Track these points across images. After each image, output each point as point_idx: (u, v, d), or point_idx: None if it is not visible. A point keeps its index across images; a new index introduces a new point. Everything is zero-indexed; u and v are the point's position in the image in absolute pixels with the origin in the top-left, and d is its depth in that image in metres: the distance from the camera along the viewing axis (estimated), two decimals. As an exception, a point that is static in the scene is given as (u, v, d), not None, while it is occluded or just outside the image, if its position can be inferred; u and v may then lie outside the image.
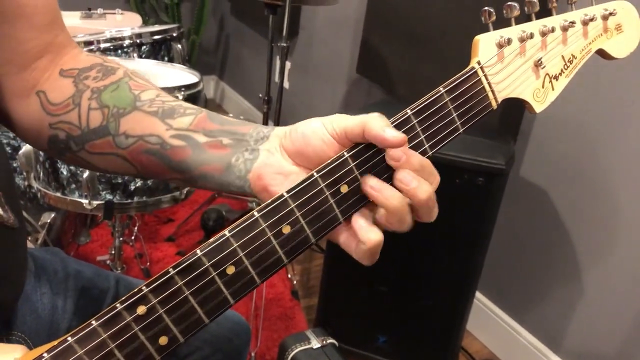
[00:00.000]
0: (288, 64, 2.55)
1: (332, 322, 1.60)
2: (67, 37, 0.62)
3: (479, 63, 0.52)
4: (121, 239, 1.55)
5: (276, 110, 1.90)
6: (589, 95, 1.39)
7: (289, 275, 1.91)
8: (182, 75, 1.48)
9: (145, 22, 2.74)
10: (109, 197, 1.26)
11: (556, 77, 0.56)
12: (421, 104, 0.50)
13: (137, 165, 0.57)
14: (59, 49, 0.61)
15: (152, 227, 2.10)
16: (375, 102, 1.80)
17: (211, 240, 0.46)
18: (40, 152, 1.29)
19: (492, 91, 0.52)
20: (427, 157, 0.50)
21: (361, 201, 0.49)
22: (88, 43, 1.60)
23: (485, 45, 0.53)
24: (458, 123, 0.51)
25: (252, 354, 1.58)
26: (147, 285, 0.45)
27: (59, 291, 0.74)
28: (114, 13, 2.15)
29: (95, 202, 1.26)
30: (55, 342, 0.44)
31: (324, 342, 1.22)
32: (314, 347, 1.21)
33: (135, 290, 0.45)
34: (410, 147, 0.49)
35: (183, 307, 0.46)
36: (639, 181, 1.34)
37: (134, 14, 2.26)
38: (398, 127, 0.49)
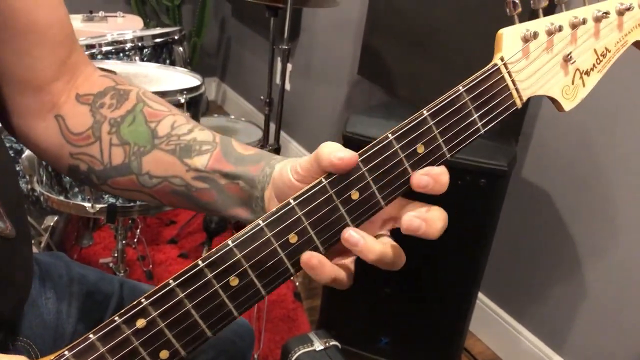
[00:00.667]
0: (289, 66, 2.55)
1: (335, 323, 1.60)
2: (81, 54, 0.62)
3: (502, 59, 0.48)
4: (124, 241, 1.55)
5: (278, 113, 1.91)
6: (591, 96, 1.39)
7: (292, 277, 1.91)
8: (184, 78, 1.48)
9: (147, 25, 2.75)
10: (111, 200, 1.27)
11: (587, 73, 0.52)
12: (438, 104, 0.47)
13: (165, 201, 0.59)
14: (74, 69, 0.61)
15: (154, 229, 2.10)
16: (377, 104, 1.80)
17: (214, 250, 0.44)
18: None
19: (517, 89, 0.49)
20: (444, 161, 0.48)
21: (373, 208, 0.47)
22: (90, 46, 1.60)
23: (509, 39, 0.49)
24: (479, 124, 0.48)
25: (255, 356, 1.59)
26: (147, 298, 0.44)
27: (64, 296, 0.74)
28: (115, 16, 2.15)
29: (98, 206, 1.26)
30: (52, 357, 0.43)
31: (327, 344, 1.22)
32: (317, 349, 1.22)
33: (135, 302, 0.44)
34: (426, 152, 0.47)
35: (185, 320, 0.44)
36: (641, 182, 1.34)
37: (135, 16, 2.27)
38: (413, 129, 0.46)
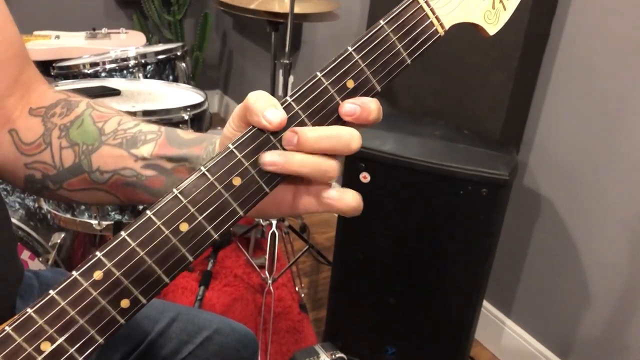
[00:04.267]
0: (291, 78, 2.57)
1: (341, 334, 1.61)
2: (34, 73, 0.64)
3: None
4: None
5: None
6: (591, 102, 1.41)
7: (297, 289, 1.92)
8: (188, 95, 1.50)
9: (149, 40, 2.77)
10: (117, 217, 1.28)
11: None
12: (362, 38, 0.49)
13: (121, 197, 0.60)
14: (27, 86, 0.63)
15: (160, 243, 2.11)
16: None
17: (160, 200, 0.47)
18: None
19: (437, 17, 0.51)
20: (376, 93, 0.49)
21: None
22: (94, 64, 1.62)
23: None
24: (404, 54, 0.50)
25: (262, 369, 1.59)
26: (101, 251, 0.45)
27: None
28: (118, 32, 2.17)
29: (104, 223, 1.27)
30: (16, 316, 0.45)
31: (333, 356, 1.22)
32: (324, 361, 1.22)
33: (90, 257, 0.46)
34: (356, 85, 0.49)
35: (140, 268, 0.46)
36: (642, 188, 1.35)
37: (137, 32, 2.30)
38: (340, 65, 0.48)
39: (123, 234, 0.46)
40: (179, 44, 1.80)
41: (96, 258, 0.45)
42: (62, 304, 0.45)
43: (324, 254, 2.08)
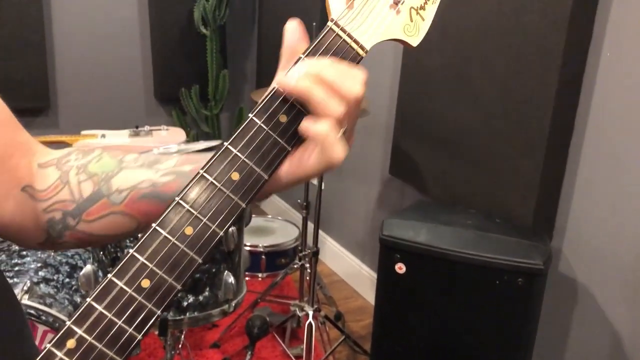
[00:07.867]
0: (323, 166, 2.65)
1: None
2: (30, 137, 0.65)
3: (332, 20, 0.53)
4: (173, 352, 1.59)
5: (316, 212, 1.97)
6: (621, 186, 1.43)
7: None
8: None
9: (188, 134, 2.91)
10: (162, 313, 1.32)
11: (422, 7, 0.55)
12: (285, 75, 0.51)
13: (137, 215, 0.60)
14: (27, 147, 0.63)
15: (197, 333, 2.13)
16: (410, 205, 1.85)
17: (119, 262, 0.48)
18: (100, 273, 1.37)
19: (355, 41, 0.52)
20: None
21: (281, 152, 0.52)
22: (139, 164, 1.72)
23: (334, 2, 0.53)
24: None
25: None
26: (69, 319, 0.47)
27: None
28: (160, 129, 2.29)
29: (149, 319, 1.31)
30: None
31: None
32: None
33: (60, 327, 0.46)
34: (289, 119, 0.52)
35: (111, 330, 0.47)
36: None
37: (177, 129, 2.42)
38: (270, 102, 0.51)
39: (88, 299, 0.47)
40: (219, 141, 1.89)
41: (66, 327, 0.47)
42: None
43: (359, 342, 2.07)
